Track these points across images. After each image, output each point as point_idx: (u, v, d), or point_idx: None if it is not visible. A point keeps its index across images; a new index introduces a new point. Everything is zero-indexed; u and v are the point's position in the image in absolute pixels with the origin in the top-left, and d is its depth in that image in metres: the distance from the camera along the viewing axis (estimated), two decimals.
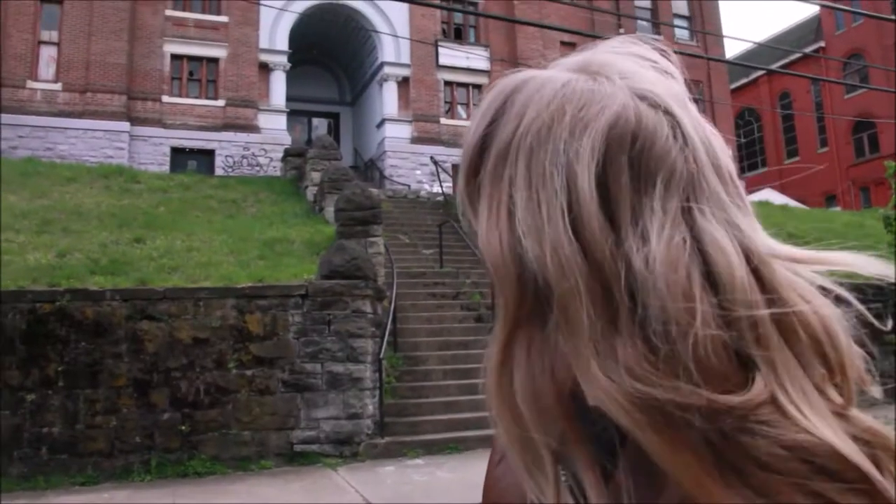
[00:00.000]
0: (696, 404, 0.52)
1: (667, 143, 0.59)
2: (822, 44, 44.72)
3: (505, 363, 0.63)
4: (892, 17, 34.23)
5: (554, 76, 0.64)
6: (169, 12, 27.19)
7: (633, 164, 0.58)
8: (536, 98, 0.62)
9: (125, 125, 25.26)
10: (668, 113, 0.60)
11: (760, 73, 45.32)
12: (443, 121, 30.42)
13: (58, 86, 25.09)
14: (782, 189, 39.96)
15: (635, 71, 0.64)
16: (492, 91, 0.66)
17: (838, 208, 36.52)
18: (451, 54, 30.46)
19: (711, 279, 0.55)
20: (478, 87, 31.37)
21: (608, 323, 0.55)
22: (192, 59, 27.43)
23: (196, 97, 27.23)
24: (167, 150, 26.03)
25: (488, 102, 0.66)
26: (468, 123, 0.67)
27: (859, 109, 41.16)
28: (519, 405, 0.62)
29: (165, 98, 26.60)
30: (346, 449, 10.17)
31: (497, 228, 0.61)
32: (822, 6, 28.37)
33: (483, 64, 31.12)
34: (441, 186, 25.82)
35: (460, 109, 31.27)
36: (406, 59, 30.12)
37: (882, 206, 24.37)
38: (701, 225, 0.57)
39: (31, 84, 24.76)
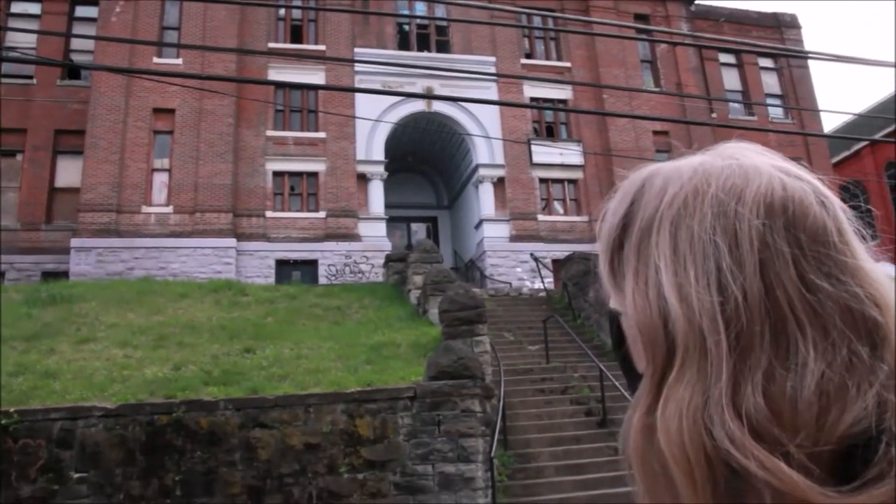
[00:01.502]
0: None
1: (815, 209, 0.66)
2: None
3: (649, 418, 0.65)
4: None
5: (688, 160, 0.73)
6: (270, 132, 28.45)
7: (787, 227, 0.64)
8: (675, 176, 0.70)
9: (232, 241, 26.23)
10: (808, 182, 0.69)
11: (862, 144, 44.17)
12: (540, 217, 30.51)
13: (169, 209, 26.37)
14: None
15: (763, 153, 0.72)
16: (628, 179, 0.75)
17: None
18: (544, 151, 30.75)
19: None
20: (573, 181, 31.48)
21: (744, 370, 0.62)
22: (292, 174, 28.48)
23: (298, 210, 28.14)
24: (272, 263, 26.82)
25: (626, 188, 0.74)
26: (609, 211, 0.75)
27: None
28: (667, 459, 0.63)
29: (269, 213, 27.59)
30: None
31: (645, 292, 0.66)
32: None
33: (577, 159, 31.28)
34: (542, 282, 25.77)
35: (557, 205, 31.35)
36: (500, 159, 30.54)
37: None
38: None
39: (145, 209, 26.09)
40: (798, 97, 34.77)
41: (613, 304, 0.73)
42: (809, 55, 21.12)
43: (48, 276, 23.72)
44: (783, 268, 0.63)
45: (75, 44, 29.09)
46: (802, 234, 0.65)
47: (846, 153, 46.97)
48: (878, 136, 33.10)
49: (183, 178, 26.72)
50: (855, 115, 19.65)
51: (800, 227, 0.65)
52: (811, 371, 0.60)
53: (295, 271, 26.87)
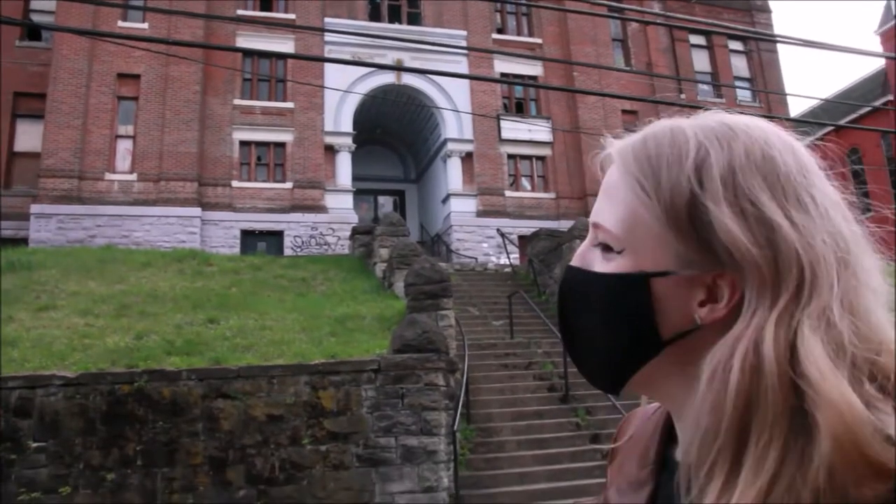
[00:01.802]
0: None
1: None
2: (891, 97, 43.98)
3: (756, 356, 0.67)
4: None
5: (703, 120, 0.81)
6: (237, 101, 28.13)
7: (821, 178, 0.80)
8: (727, 131, 0.77)
9: (197, 210, 25.98)
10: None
11: (827, 130, 44.69)
12: (507, 193, 30.56)
13: (133, 176, 26.02)
14: None
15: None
16: (663, 135, 0.80)
17: None
18: (513, 127, 30.75)
19: None
20: (541, 158, 31.54)
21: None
22: (259, 144, 28.22)
23: (264, 180, 27.92)
24: (237, 233, 26.63)
25: (676, 141, 0.78)
26: (665, 164, 0.77)
27: None
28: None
29: (235, 183, 27.34)
30: None
31: (749, 227, 0.71)
32: (888, 58, 28.00)
33: (546, 136, 31.32)
34: (508, 258, 25.84)
35: (524, 181, 31.41)
36: (469, 134, 30.50)
37: None
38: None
39: (108, 176, 25.72)
40: (766, 81, 35.04)
41: (630, 267, 0.77)
42: (779, 39, 21.22)
43: (7, 242, 23.30)
44: (834, 207, 0.76)
45: (35, 3, 28.50)
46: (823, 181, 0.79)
47: (811, 139, 47.40)
48: (842, 121, 33.48)
49: (147, 146, 26.35)
50: (821, 100, 19.86)
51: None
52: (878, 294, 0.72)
53: (260, 242, 26.72)
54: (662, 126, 0.81)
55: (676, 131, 0.79)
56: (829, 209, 0.74)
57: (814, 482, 0.62)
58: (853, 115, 40.91)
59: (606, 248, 0.80)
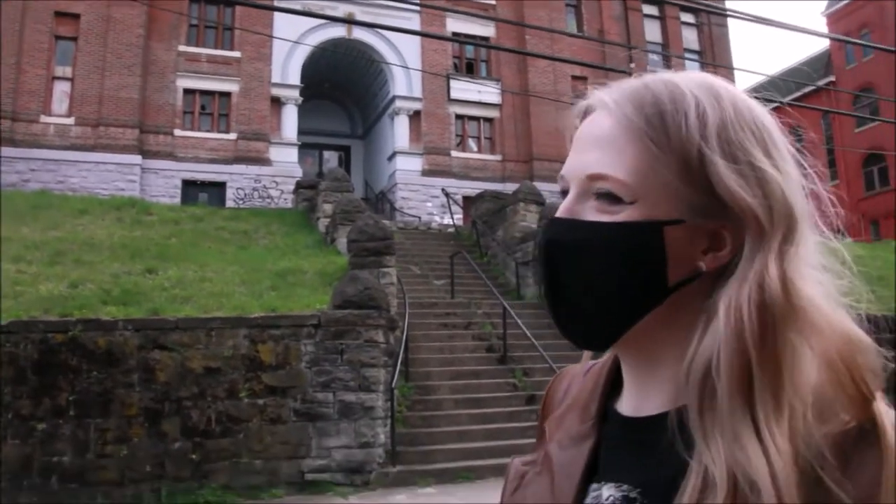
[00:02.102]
0: None
1: None
2: (833, 78, 44.82)
3: (762, 293, 0.74)
4: None
5: (692, 77, 0.85)
6: (182, 48, 27.51)
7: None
8: (721, 89, 0.82)
9: (137, 158, 25.45)
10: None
11: (771, 106, 45.22)
12: (454, 153, 30.54)
13: (70, 120, 25.34)
14: None
15: None
16: (667, 89, 0.82)
17: (849, 240, 36.26)
18: (462, 88, 30.64)
19: None
20: (489, 120, 31.52)
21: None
22: (204, 93, 27.69)
23: (208, 131, 27.45)
24: (178, 183, 26.18)
25: (678, 95, 0.81)
26: (676, 112, 0.80)
27: (870, 143, 41.15)
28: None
29: (177, 131, 26.82)
30: (357, 478, 10.07)
31: (746, 179, 0.77)
32: (833, 39, 28.50)
33: (495, 98, 31.29)
34: (452, 218, 25.88)
35: (471, 142, 31.39)
36: (418, 92, 30.31)
37: (893, 238, 24.27)
38: None
39: (44, 118, 25.01)
40: (715, 54, 35.38)
41: (642, 215, 0.79)
42: (730, 14, 21.42)
43: None
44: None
45: None
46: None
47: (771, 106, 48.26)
48: (786, 99, 33.99)
49: (86, 89, 25.65)
50: (767, 76, 20.14)
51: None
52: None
53: (202, 193, 26.32)
54: (655, 79, 0.83)
55: (671, 85, 0.82)
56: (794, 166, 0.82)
57: (804, 406, 0.71)
58: (797, 94, 41.61)
59: (613, 200, 0.80)
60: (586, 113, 0.87)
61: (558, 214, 0.82)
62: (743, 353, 0.72)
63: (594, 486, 0.86)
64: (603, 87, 0.87)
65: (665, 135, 0.79)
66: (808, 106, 23.50)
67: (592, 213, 0.81)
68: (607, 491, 0.84)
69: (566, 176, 0.85)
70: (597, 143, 0.82)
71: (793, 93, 41.42)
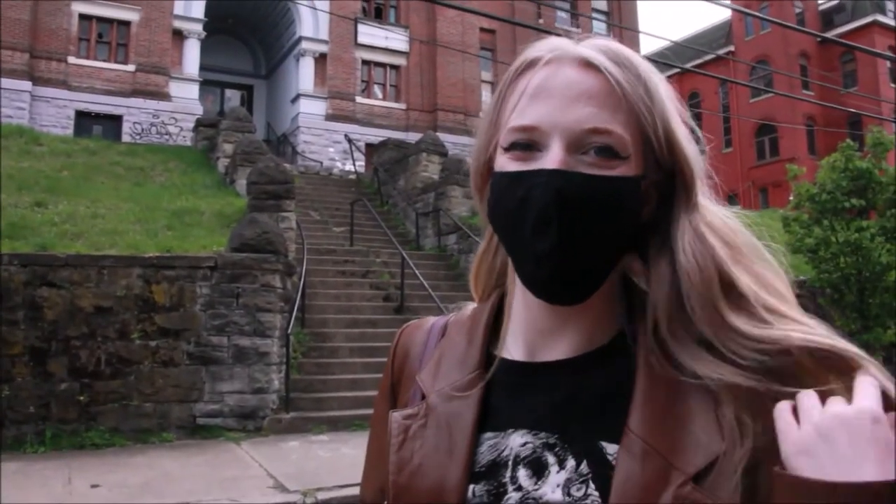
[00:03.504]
0: None
1: None
2: (732, 48, 46.03)
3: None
4: (797, 26, 35.47)
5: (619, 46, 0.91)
6: None
7: None
8: (648, 66, 0.89)
9: (27, 84, 24.26)
10: None
11: (673, 71, 46.34)
12: (358, 99, 30.24)
13: None
14: None
15: None
16: (627, 52, 0.89)
17: (738, 207, 37.59)
18: (370, 33, 30.26)
19: None
20: (395, 67, 31.26)
21: None
22: (101, 20, 26.51)
23: (105, 60, 26.35)
24: (72, 114, 25.12)
25: (641, 63, 0.88)
26: (656, 81, 0.88)
27: (763, 113, 42.58)
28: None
29: (72, 59, 25.65)
30: (249, 423, 10.06)
31: (688, 140, 0.88)
32: (733, 9, 29.23)
33: (402, 45, 31.04)
34: (354, 165, 25.70)
35: (377, 89, 31.11)
36: (324, 35, 29.79)
37: (780, 207, 25.33)
38: None
39: None
40: (622, 16, 35.83)
41: (635, 170, 0.85)
42: None
43: None
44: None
45: None
46: None
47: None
48: (688, 65, 34.79)
49: None
50: (671, 42, 20.52)
51: None
52: None
53: (96, 125, 25.34)
54: (624, 49, 0.89)
55: (636, 58, 0.88)
56: None
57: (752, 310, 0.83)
58: (698, 61, 42.62)
59: (611, 154, 0.83)
60: (538, 63, 0.88)
61: (556, 167, 0.82)
62: (709, 279, 0.82)
63: (488, 435, 0.89)
64: (571, 42, 0.90)
65: (649, 98, 0.85)
66: (707, 73, 24.11)
67: (586, 167, 0.82)
68: (519, 438, 0.87)
69: (543, 128, 0.84)
70: (591, 99, 0.83)
71: (694, 60, 42.41)
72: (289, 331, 10.64)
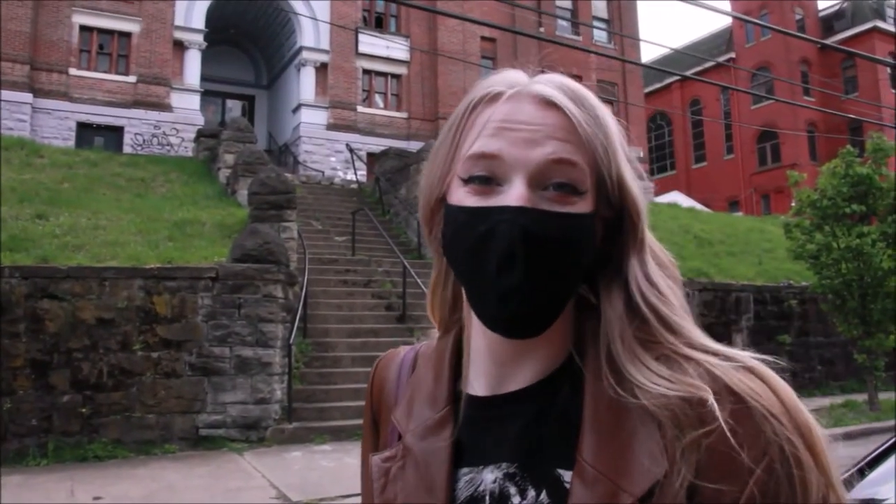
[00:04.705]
0: None
1: None
2: (733, 55, 46.11)
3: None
4: (797, 33, 35.50)
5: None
6: None
7: None
8: (601, 104, 0.90)
9: (27, 96, 24.27)
10: None
11: (674, 79, 46.49)
12: (360, 109, 30.25)
13: None
14: (689, 192, 41.11)
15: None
16: (585, 89, 0.90)
17: (740, 213, 37.77)
18: (370, 42, 30.30)
19: None
20: (396, 76, 31.30)
21: None
22: (102, 31, 26.53)
23: (106, 71, 26.37)
24: (73, 125, 25.13)
25: (595, 100, 0.90)
26: (609, 119, 0.90)
27: (764, 120, 42.64)
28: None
29: (73, 70, 25.66)
30: (252, 434, 10.06)
31: (633, 178, 0.89)
32: (734, 16, 29.27)
33: (403, 54, 31.07)
34: (356, 174, 25.71)
35: (378, 98, 31.14)
36: (325, 44, 29.83)
37: (782, 213, 25.32)
38: None
39: None
40: (623, 24, 35.88)
41: (590, 207, 0.86)
42: None
43: None
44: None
45: None
46: None
47: (658, 85, 49.27)
48: (688, 73, 34.85)
49: None
50: (671, 49, 20.56)
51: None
52: None
53: (98, 137, 25.35)
54: (581, 88, 0.90)
55: (591, 96, 0.90)
56: None
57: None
58: (699, 68, 42.68)
59: (569, 190, 0.84)
60: (499, 98, 0.88)
61: (521, 204, 0.81)
62: (656, 305, 0.86)
63: (464, 470, 0.89)
64: (527, 77, 0.91)
65: (605, 138, 0.86)
66: (708, 81, 24.14)
67: (547, 203, 0.83)
68: (490, 474, 0.87)
69: (506, 160, 0.84)
70: (552, 136, 0.84)
71: (695, 67, 42.48)
72: (291, 341, 10.65)
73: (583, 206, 0.84)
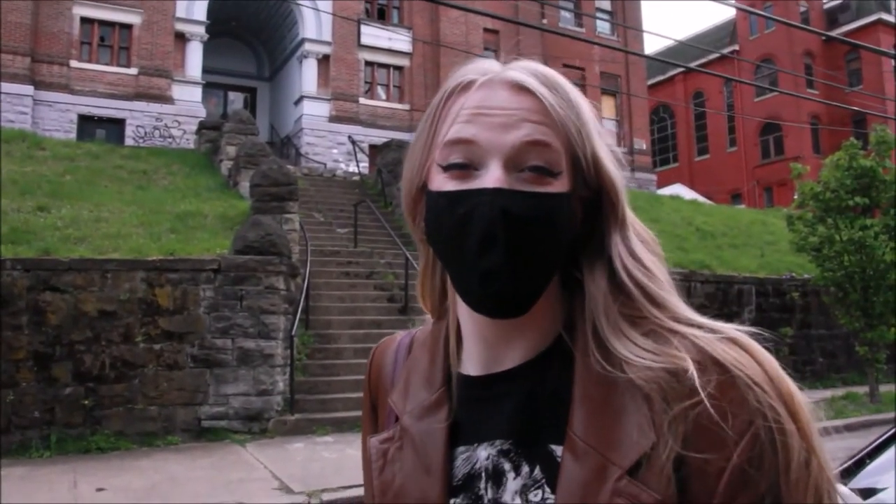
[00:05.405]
0: None
1: None
2: (737, 47, 45.98)
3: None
4: (801, 25, 35.39)
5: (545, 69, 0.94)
6: None
7: None
8: (575, 89, 0.92)
9: (28, 89, 24.24)
10: None
11: (677, 71, 46.43)
12: (362, 100, 30.22)
13: None
14: (692, 184, 41.06)
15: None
16: (557, 73, 0.92)
17: (743, 206, 37.75)
18: (373, 34, 30.25)
19: None
20: (399, 68, 31.25)
21: None
22: (103, 23, 26.48)
23: (107, 63, 26.34)
24: (74, 118, 25.11)
25: (567, 83, 0.91)
26: (584, 101, 0.92)
27: (768, 112, 42.53)
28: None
29: (74, 63, 25.63)
30: (255, 425, 10.07)
31: (611, 159, 0.91)
32: (738, 8, 29.16)
33: (405, 46, 31.01)
34: (358, 166, 25.68)
35: (380, 90, 31.10)
36: (327, 36, 29.78)
37: (784, 205, 25.29)
38: None
39: None
40: (626, 16, 35.79)
41: (566, 187, 0.87)
42: None
43: None
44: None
45: None
46: None
47: (661, 77, 49.16)
48: (692, 65, 34.79)
49: None
50: (675, 41, 20.51)
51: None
52: None
53: (99, 129, 25.32)
54: (554, 73, 0.92)
55: (564, 81, 0.91)
56: None
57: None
58: (703, 60, 42.57)
59: (544, 172, 0.86)
60: (471, 86, 0.90)
61: (498, 186, 0.83)
62: (640, 280, 0.88)
63: (461, 449, 0.92)
64: (500, 65, 0.93)
65: (578, 121, 0.88)
66: (712, 73, 24.06)
67: (523, 184, 0.85)
68: (484, 451, 0.90)
69: (482, 144, 0.86)
70: (527, 119, 0.86)
71: (698, 59, 42.37)
72: (293, 332, 10.66)
73: (559, 186, 0.86)
